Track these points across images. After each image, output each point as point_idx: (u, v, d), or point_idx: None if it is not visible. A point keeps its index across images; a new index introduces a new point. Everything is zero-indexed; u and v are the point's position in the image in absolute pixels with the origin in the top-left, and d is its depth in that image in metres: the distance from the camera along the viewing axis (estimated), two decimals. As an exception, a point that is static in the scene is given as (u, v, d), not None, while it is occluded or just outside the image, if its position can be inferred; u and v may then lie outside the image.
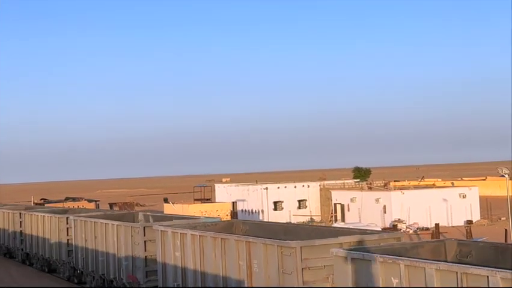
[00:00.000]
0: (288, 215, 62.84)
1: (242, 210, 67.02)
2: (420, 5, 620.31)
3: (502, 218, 57.42)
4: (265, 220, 57.33)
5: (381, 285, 12.69)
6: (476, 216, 58.13)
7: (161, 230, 22.04)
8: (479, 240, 33.24)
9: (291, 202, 65.38)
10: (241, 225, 23.78)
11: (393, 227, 51.46)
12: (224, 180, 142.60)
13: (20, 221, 39.53)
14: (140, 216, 29.79)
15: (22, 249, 39.17)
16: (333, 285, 14.63)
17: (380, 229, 43.97)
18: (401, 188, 64.85)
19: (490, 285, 10.84)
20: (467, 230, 46.68)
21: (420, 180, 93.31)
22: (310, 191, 66.56)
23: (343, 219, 59.30)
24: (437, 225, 50.38)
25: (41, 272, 35.13)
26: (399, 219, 54.28)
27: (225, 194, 71.03)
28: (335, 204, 63.07)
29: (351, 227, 36.13)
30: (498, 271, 10.95)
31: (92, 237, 27.66)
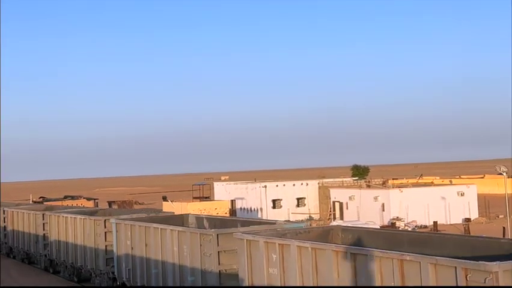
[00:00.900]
0: (287, 213, 62.93)
1: (241, 208, 67.13)
2: (418, 4, 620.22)
3: (500, 216, 57.56)
4: (264, 218, 57.43)
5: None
6: (474, 214, 58.26)
7: (247, 239, 16.94)
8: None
9: (289, 200, 65.47)
10: (340, 232, 18.45)
11: (392, 225, 51.60)
12: (223, 178, 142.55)
13: (43, 223, 35.50)
14: (191, 218, 26.08)
15: (46, 255, 34.74)
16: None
17: (379, 227, 44.11)
18: (400, 186, 64.96)
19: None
20: (465, 227, 46.84)
21: (419, 178, 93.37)
22: (309, 189, 66.66)
23: (341, 217, 59.39)
24: (435, 223, 50.55)
25: (70, 282, 31.18)
26: (397, 217, 54.40)
27: (224, 192, 71.14)
28: (334, 202, 63.19)
29: (349, 225, 36.25)
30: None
31: (141, 244, 23.17)
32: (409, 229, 51.54)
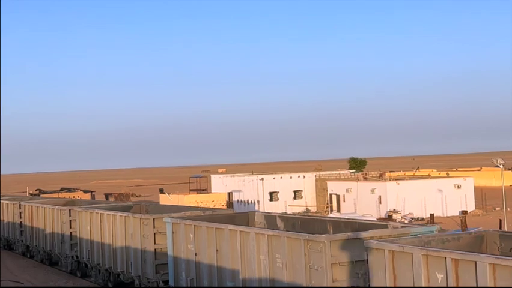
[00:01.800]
0: (284, 205, 62.98)
1: (238, 200, 67.15)
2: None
3: (497, 208, 57.66)
4: (261, 210, 57.44)
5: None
6: (471, 207, 58.35)
7: (391, 250, 12.43)
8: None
9: (286, 193, 65.50)
10: (498, 240, 14.13)
11: (389, 218, 51.64)
12: (220, 171, 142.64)
13: (70, 220, 31.56)
14: (259, 217, 22.38)
15: (72, 257, 30.59)
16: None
17: (376, 219, 44.16)
18: (397, 179, 65.00)
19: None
20: (461, 220, 46.87)
21: (416, 171, 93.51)
22: (306, 181, 66.69)
23: (338, 210, 59.47)
24: (432, 215, 50.62)
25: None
26: (394, 209, 54.44)
27: (221, 185, 71.12)
28: (331, 194, 63.22)
29: (346, 217, 36.34)
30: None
31: (209, 250, 19.02)
32: (406, 221, 51.66)
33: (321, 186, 65.33)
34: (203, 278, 19.44)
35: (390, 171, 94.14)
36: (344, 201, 60.74)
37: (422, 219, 52.58)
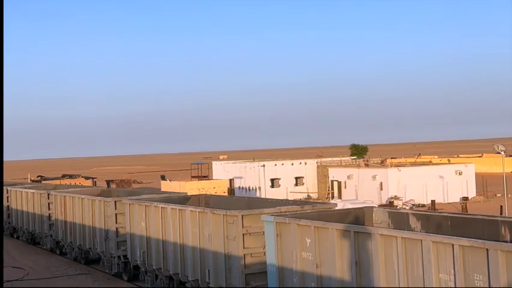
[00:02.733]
0: (285, 192, 63.06)
1: (239, 187, 67.25)
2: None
3: (498, 195, 57.71)
4: (263, 197, 57.51)
5: None
6: (472, 193, 58.41)
7: None
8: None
9: (288, 179, 65.57)
10: (378, 214, 14.89)
11: (390, 204, 51.74)
12: (221, 157, 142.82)
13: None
14: (379, 214, 16.96)
15: (119, 257, 25.83)
16: None
17: (377, 206, 44.20)
18: (398, 165, 65.02)
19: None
20: (462, 206, 46.97)
21: (417, 158, 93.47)
22: (308, 168, 66.73)
23: (340, 196, 59.51)
24: (433, 201, 50.66)
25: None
26: (395, 196, 54.53)
27: (222, 171, 71.21)
28: (332, 181, 63.29)
29: (348, 204, 36.36)
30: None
31: (341, 261, 14.14)
32: (407, 208, 51.76)
33: (322, 172, 65.37)
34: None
35: (391, 158, 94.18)
36: (345, 187, 60.80)
37: (424, 205, 52.66)
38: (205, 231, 18.79)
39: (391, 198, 54.14)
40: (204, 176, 75.71)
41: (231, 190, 66.28)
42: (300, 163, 67.54)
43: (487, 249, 10.56)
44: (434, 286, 11.55)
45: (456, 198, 55.84)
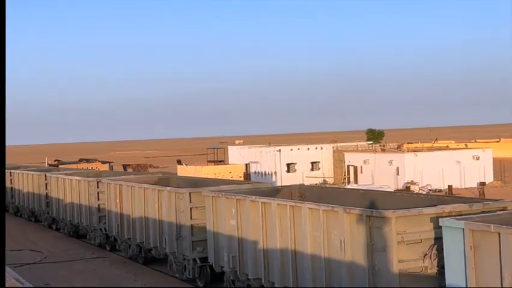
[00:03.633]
0: (301, 176, 63.04)
1: (255, 172, 67.30)
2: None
3: (516, 180, 57.31)
4: (279, 182, 57.44)
5: None
6: (489, 178, 58.03)
7: None
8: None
9: (304, 164, 65.50)
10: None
11: (406, 189, 51.58)
12: (237, 142, 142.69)
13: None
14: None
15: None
16: None
17: (393, 191, 44.10)
18: (414, 150, 64.73)
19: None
20: (480, 191, 46.71)
21: (434, 142, 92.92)
22: (324, 153, 66.60)
23: (356, 181, 59.42)
24: (450, 186, 50.45)
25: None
26: (412, 181, 54.33)
27: (238, 156, 71.26)
28: (348, 166, 63.14)
29: (364, 188, 36.18)
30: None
31: None
32: (423, 193, 51.57)
33: (338, 157, 65.23)
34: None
35: (408, 143, 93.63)
36: (362, 172, 60.65)
37: (440, 190, 52.43)
38: (332, 236, 14.70)
39: (407, 183, 53.96)
40: (220, 161, 75.80)
41: (247, 175, 66.36)
42: (316, 148, 67.43)
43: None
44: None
45: (473, 184, 55.51)
